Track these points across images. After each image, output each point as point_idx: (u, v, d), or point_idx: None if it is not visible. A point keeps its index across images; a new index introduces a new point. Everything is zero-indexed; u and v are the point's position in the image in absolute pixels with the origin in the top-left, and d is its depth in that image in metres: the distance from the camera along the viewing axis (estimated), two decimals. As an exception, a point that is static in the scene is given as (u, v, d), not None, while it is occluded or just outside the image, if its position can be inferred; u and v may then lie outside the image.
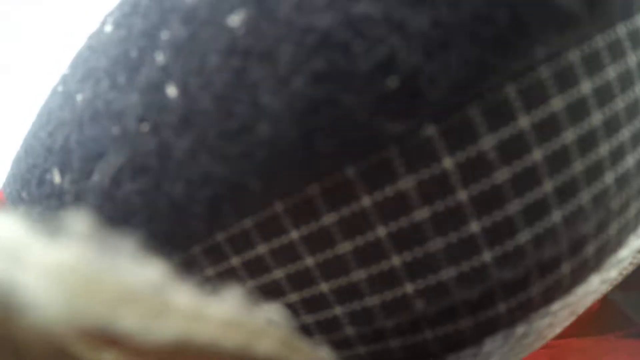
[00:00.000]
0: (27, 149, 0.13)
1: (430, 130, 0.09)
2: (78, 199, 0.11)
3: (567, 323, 0.14)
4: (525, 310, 0.11)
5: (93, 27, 0.13)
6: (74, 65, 0.13)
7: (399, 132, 0.09)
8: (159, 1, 0.11)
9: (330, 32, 0.09)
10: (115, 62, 0.11)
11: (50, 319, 0.06)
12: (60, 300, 0.06)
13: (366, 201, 0.10)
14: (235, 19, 0.10)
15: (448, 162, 0.10)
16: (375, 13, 0.09)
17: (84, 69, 0.12)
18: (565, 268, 0.11)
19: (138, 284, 0.07)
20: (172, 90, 0.10)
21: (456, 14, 0.09)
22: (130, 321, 0.07)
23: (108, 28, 0.12)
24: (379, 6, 0.09)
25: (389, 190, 0.10)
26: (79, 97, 0.12)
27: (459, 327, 0.11)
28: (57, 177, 0.11)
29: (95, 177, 0.11)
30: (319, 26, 0.09)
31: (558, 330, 0.14)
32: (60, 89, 0.13)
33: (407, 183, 0.10)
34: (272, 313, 0.09)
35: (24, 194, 0.12)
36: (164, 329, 0.07)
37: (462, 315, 0.11)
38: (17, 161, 0.13)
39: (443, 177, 0.10)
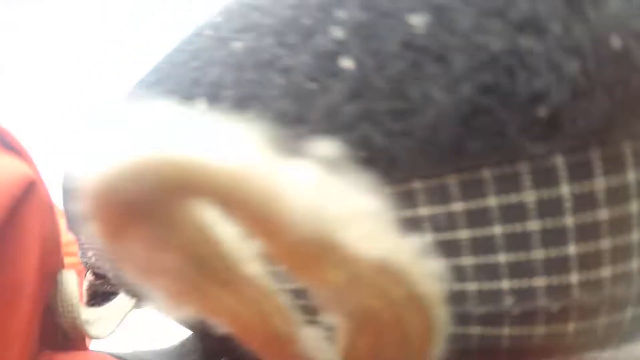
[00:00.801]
0: (161, 77, 0.14)
1: (558, 160, 0.11)
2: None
3: None
4: None
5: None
6: (228, 17, 0.14)
7: (534, 153, 0.11)
8: None
9: (500, 55, 0.11)
10: (284, 24, 0.12)
11: (299, 220, 0.08)
12: (303, 210, 0.08)
13: (492, 200, 0.11)
14: (417, 19, 0.11)
15: (565, 190, 0.11)
16: (538, 50, 0.11)
17: (243, 22, 0.13)
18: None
19: (361, 208, 0.08)
20: (347, 63, 0.11)
21: (600, 70, 0.11)
22: (353, 237, 0.08)
23: None
24: (541, 45, 0.11)
25: (513, 198, 0.11)
26: (237, 44, 0.13)
27: None
28: (202, 106, 0.12)
29: (250, 114, 0.12)
30: (492, 48, 0.11)
31: None
32: (208, 32, 0.14)
33: (529, 196, 0.11)
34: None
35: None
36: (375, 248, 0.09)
37: None
38: (156, 83, 0.14)
39: (557, 201, 0.11)
